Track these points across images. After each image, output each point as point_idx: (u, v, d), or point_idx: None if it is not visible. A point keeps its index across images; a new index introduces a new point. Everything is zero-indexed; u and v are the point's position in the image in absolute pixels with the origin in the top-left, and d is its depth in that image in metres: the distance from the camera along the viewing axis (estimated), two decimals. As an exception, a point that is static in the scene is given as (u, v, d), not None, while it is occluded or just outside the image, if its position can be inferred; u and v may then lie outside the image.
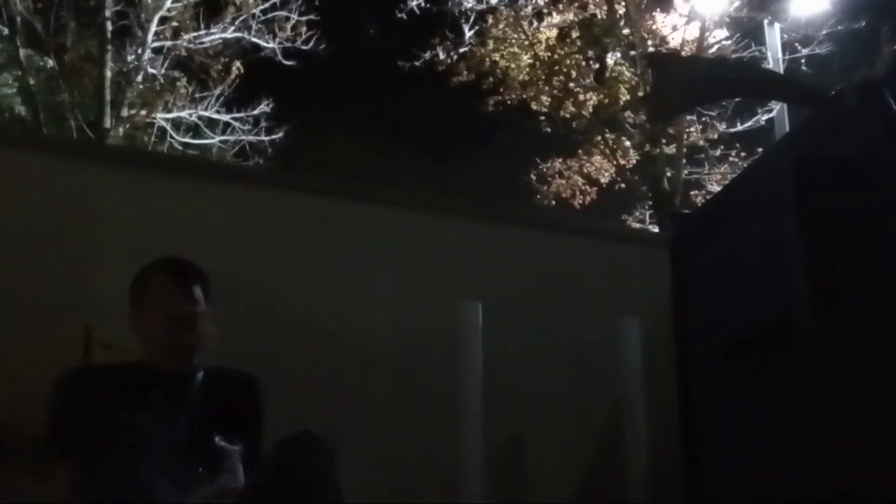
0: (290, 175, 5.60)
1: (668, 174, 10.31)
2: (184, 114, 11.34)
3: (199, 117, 11.45)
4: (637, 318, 2.95)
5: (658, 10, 10.89)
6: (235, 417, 1.80)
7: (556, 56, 11.37)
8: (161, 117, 11.13)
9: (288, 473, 1.53)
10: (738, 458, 2.62)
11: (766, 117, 10.54)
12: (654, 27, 11.04)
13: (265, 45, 11.52)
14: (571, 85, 11.25)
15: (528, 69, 11.51)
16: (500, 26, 11.65)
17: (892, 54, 2.16)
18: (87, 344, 2.22)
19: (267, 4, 11.52)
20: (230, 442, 1.70)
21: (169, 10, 11.06)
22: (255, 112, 11.60)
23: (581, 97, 11.23)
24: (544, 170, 12.41)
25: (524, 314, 3.06)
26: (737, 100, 9.27)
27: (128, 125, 10.99)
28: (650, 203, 11.23)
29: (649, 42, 10.78)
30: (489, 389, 2.68)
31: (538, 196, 12.33)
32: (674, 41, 10.89)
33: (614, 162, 11.39)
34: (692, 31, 10.79)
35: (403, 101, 13.75)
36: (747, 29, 10.48)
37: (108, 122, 10.36)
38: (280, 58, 11.57)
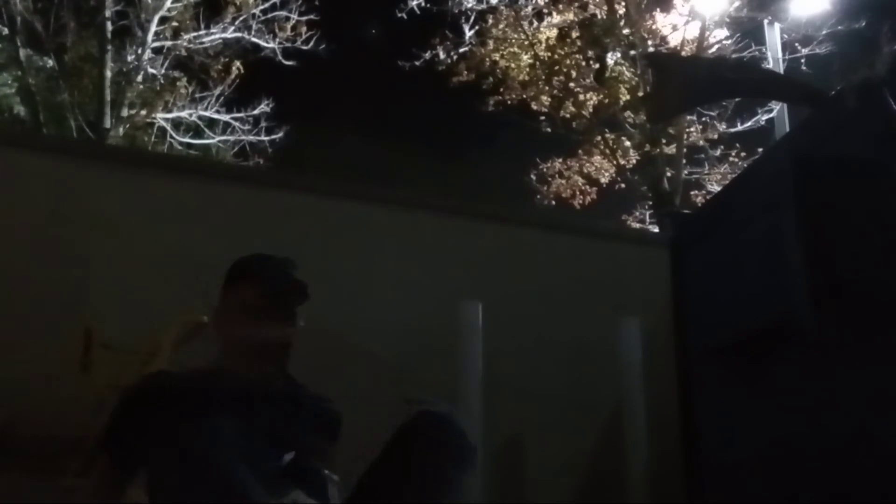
0: (290, 175, 5.59)
1: (668, 174, 10.31)
2: (184, 114, 11.34)
3: (199, 117, 11.46)
4: (637, 318, 2.95)
5: (658, 10, 10.89)
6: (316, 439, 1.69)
7: (556, 56, 11.37)
8: (161, 117, 11.13)
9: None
10: (738, 458, 2.62)
11: (766, 117, 10.54)
12: (654, 27, 11.05)
13: (265, 45, 11.53)
14: (571, 85, 11.25)
15: (528, 69, 11.51)
16: (500, 26, 11.65)
17: (892, 54, 2.16)
18: (87, 344, 2.21)
19: (267, 4, 11.53)
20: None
21: (169, 10, 11.06)
22: (255, 112, 11.61)
23: (581, 97, 11.23)
24: (544, 170, 12.41)
25: (524, 314, 3.06)
26: (737, 100, 9.27)
27: (128, 125, 10.98)
28: (650, 203, 11.23)
29: (649, 42, 10.78)
30: (489, 389, 2.68)
31: (538, 196, 12.34)
32: (674, 41, 10.89)
33: (614, 162, 11.38)
34: (692, 31, 10.80)
35: (403, 101, 13.75)
36: (747, 29, 10.48)
37: (108, 122, 10.36)
38: (280, 58, 11.58)
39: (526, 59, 11.54)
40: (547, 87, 11.39)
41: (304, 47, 11.58)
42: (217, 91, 11.40)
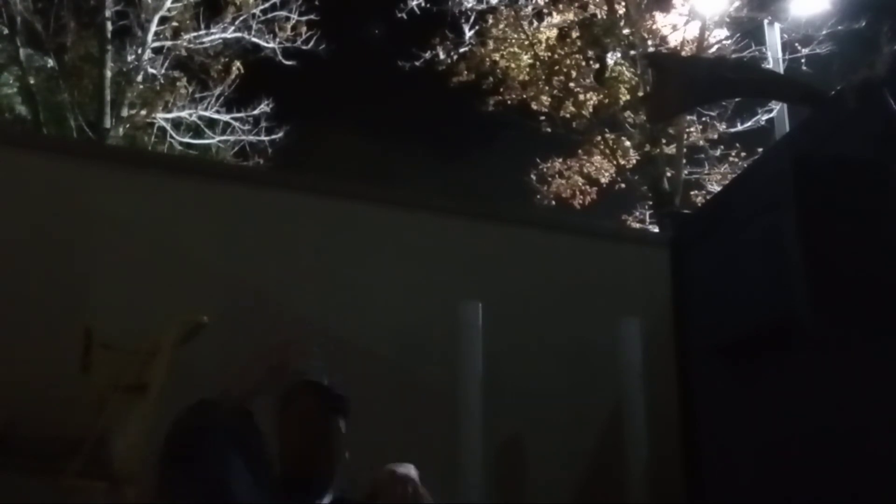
0: (290, 175, 5.59)
1: (668, 174, 10.30)
2: (184, 114, 11.33)
3: (199, 117, 11.45)
4: (637, 318, 2.95)
5: (658, 10, 10.89)
6: None
7: (556, 56, 11.37)
8: (161, 117, 11.12)
9: None
10: (738, 458, 2.62)
11: (766, 117, 10.53)
12: (654, 27, 11.04)
13: (265, 45, 11.52)
14: (571, 85, 11.25)
15: (528, 69, 11.50)
16: (500, 26, 11.64)
17: (892, 54, 2.16)
18: (87, 344, 2.21)
19: (267, 4, 11.52)
20: None
21: (169, 10, 11.05)
22: (255, 112, 11.61)
23: (581, 97, 11.23)
24: (544, 170, 12.40)
25: (524, 314, 3.06)
26: (737, 100, 9.26)
27: (128, 125, 10.98)
28: (650, 203, 11.22)
29: (649, 42, 10.77)
30: (489, 389, 2.68)
31: (538, 196, 12.33)
32: (674, 41, 10.89)
33: (614, 162, 11.38)
34: (692, 31, 10.79)
35: (403, 101, 13.74)
36: (747, 29, 10.47)
37: (108, 122, 10.35)
38: (280, 58, 11.57)
39: (526, 59, 11.53)
40: (547, 87, 11.39)
41: (304, 47, 11.58)
42: (217, 91, 11.40)
